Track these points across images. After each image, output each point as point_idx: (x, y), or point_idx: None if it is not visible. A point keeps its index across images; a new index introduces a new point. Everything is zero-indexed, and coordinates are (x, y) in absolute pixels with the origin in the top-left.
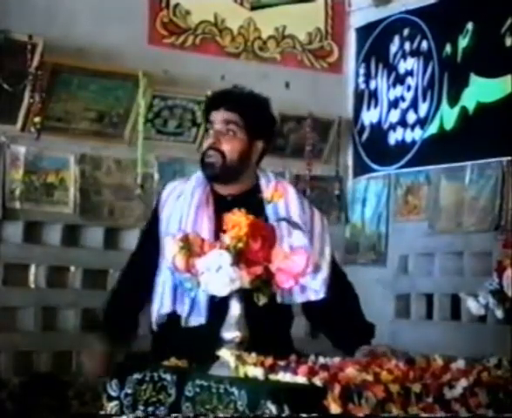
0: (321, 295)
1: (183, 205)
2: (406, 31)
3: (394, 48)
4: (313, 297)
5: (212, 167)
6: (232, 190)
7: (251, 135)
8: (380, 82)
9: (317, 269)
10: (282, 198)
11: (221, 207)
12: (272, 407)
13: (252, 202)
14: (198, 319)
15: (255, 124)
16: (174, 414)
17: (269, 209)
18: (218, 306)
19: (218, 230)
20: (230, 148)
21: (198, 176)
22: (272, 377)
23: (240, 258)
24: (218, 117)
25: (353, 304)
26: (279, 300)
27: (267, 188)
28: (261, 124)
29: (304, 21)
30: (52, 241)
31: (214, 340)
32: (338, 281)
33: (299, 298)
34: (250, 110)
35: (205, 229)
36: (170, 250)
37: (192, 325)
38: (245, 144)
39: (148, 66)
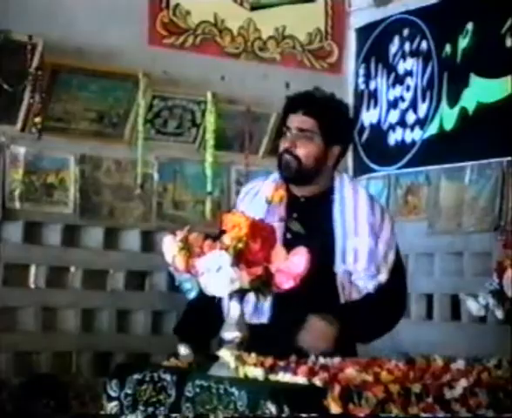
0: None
1: (258, 203)
2: (406, 31)
3: (393, 48)
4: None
5: (288, 170)
6: (306, 191)
7: (327, 140)
8: (380, 82)
9: (377, 271)
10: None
11: (294, 207)
12: (272, 408)
13: (323, 204)
14: (261, 317)
15: (332, 130)
16: (174, 415)
17: (336, 210)
18: (281, 308)
19: (288, 229)
20: (305, 153)
21: (275, 176)
22: (272, 377)
23: (240, 258)
24: (295, 121)
25: (385, 308)
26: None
27: (340, 191)
28: (338, 130)
29: (304, 21)
30: (52, 241)
31: (275, 341)
32: (392, 287)
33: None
34: (327, 116)
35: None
36: (169, 250)
37: (254, 322)
38: (321, 149)
39: (148, 66)
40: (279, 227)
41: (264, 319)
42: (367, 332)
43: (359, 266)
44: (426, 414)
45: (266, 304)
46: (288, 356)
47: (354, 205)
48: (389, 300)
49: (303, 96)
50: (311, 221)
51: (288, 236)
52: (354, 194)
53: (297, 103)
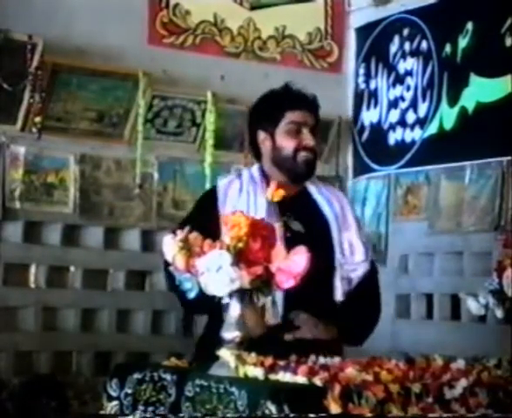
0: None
1: (248, 201)
2: (405, 31)
3: (393, 48)
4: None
5: (308, 167)
6: (290, 190)
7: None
8: (380, 82)
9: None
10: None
11: (285, 207)
12: (272, 407)
13: (307, 203)
14: (276, 318)
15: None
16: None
17: (325, 207)
18: (287, 307)
19: (288, 228)
20: (316, 149)
21: (250, 173)
22: (272, 377)
23: (240, 258)
24: (302, 117)
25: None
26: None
27: (319, 191)
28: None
29: (304, 21)
30: (52, 241)
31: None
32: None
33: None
34: (318, 112)
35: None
36: (169, 250)
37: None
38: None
39: (148, 66)
40: (279, 227)
41: (278, 319)
42: (360, 330)
43: (356, 258)
44: (426, 414)
45: (279, 304)
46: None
47: (339, 201)
48: (372, 292)
49: (300, 91)
50: (303, 219)
51: (288, 235)
52: (334, 193)
53: (299, 98)
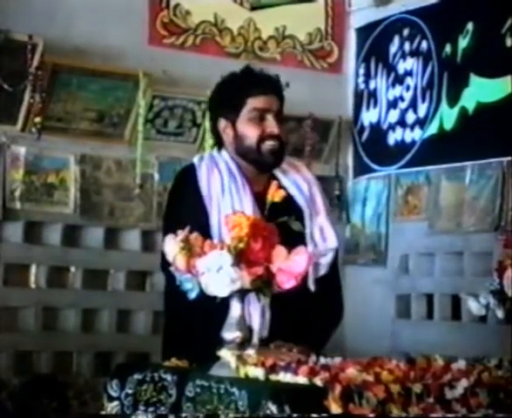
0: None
1: (233, 203)
2: (406, 31)
3: (393, 48)
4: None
5: (274, 157)
6: (260, 185)
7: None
8: (380, 82)
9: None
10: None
11: (261, 204)
12: (272, 408)
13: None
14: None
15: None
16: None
17: (295, 193)
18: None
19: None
20: (284, 136)
21: (224, 161)
22: (273, 377)
23: (241, 258)
24: (267, 102)
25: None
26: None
27: (286, 177)
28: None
29: (304, 21)
30: (52, 241)
31: None
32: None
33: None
34: (282, 94)
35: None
36: (170, 250)
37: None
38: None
39: (148, 66)
40: None
41: (266, 333)
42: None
43: (329, 245)
44: (426, 414)
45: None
46: None
47: (306, 182)
48: (335, 283)
49: (262, 74)
50: (282, 214)
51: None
52: (300, 173)
53: (262, 82)
